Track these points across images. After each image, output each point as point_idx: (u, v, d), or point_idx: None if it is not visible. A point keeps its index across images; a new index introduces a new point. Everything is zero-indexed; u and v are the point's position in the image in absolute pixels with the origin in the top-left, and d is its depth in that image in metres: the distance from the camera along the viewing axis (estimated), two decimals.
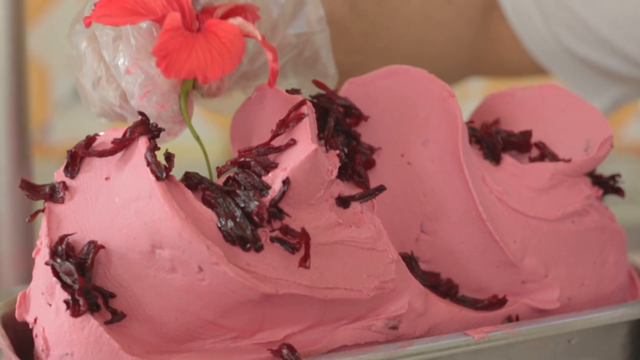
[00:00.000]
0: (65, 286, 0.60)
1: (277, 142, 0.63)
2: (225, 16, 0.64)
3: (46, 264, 0.60)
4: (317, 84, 0.69)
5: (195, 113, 0.67)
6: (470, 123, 0.72)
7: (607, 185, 0.73)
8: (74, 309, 0.59)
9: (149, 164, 0.60)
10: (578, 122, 0.73)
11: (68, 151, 0.63)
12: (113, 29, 0.64)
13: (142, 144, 0.61)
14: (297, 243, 0.60)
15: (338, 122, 0.68)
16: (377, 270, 0.63)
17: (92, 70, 0.66)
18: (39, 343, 0.61)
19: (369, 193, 0.65)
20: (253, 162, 0.62)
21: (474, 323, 0.67)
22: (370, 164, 0.69)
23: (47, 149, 1.83)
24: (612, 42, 0.88)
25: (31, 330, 0.63)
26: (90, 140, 0.63)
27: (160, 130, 0.62)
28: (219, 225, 0.59)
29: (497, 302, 0.68)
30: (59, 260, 0.60)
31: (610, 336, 0.68)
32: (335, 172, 0.63)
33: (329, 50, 0.75)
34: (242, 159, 0.63)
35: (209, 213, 0.60)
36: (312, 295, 0.61)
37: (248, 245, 0.59)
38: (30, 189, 0.63)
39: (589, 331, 0.67)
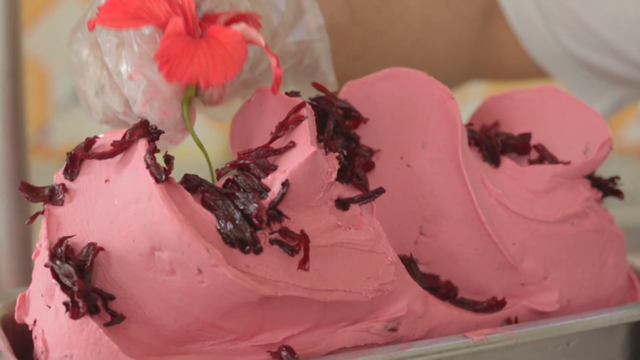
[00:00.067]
0: (64, 288, 0.60)
1: (276, 145, 0.63)
2: (228, 24, 0.64)
3: (45, 266, 0.60)
4: (317, 86, 0.69)
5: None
6: (469, 125, 0.72)
7: (607, 188, 0.73)
8: (74, 311, 0.59)
9: (148, 167, 0.60)
10: (577, 124, 0.73)
11: (68, 153, 0.63)
12: (116, 36, 0.63)
13: (141, 146, 0.61)
14: (296, 245, 0.60)
15: (337, 124, 0.68)
16: (376, 272, 0.63)
17: (95, 77, 0.65)
18: (38, 345, 0.61)
19: (368, 195, 0.65)
20: (252, 164, 0.63)
21: (473, 325, 0.67)
22: (369, 166, 0.69)
23: (47, 151, 1.83)
24: (613, 44, 0.88)
25: (30, 332, 0.63)
26: (90, 142, 0.63)
27: (159, 132, 0.62)
28: (218, 227, 0.59)
29: (496, 304, 0.68)
30: (58, 262, 0.60)
31: (610, 338, 0.68)
32: (334, 175, 0.63)
33: (328, 59, 0.75)
34: (242, 161, 0.63)
35: (208, 215, 0.60)
36: (311, 298, 0.61)
37: (247, 247, 0.59)
38: (30, 191, 0.63)
39: (588, 333, 0.67)
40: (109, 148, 0.62)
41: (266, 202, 0.61)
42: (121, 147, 0.62)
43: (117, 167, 0.62)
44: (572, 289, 0.70)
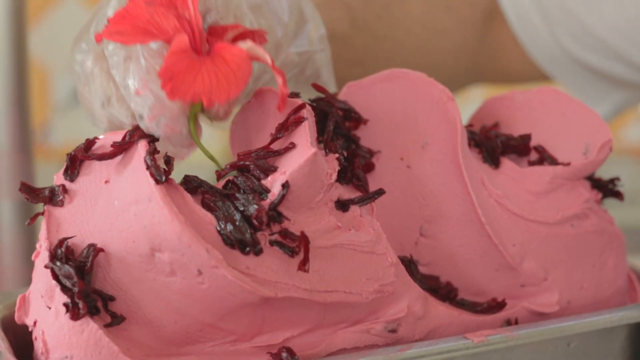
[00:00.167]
0: (64, 289, 0.60)
1: (276, 146, 0.63)
2: (235, 39, 0.64)
3: (46, 267, 0.60)
4: (317, 87, 0.69)
5: None
6: (469, 126, 0.72)
7: (606, 189, 0.73)
8: (74, 312, 0.59)
9: (148, 168, 0.60)
10: (577, 125, 0.73)
11: (68, 154, 0.63)
12: (123, 49, 0.63)
13: (141, 147, 0.61)
14: (296, 246, 0.60)
15: (337, 125, 0.68)
16: (376, 273, 0.63)
17: (101, 89, 0.65)
18: (38, 346, 0.61)
19: (369, 196, 0.65)
20: (252, 165, 0.63)
21: (473, 326, 0.67)
22: (369, 167, 0.69)
23: (47, 151, 1.83)
24: (614, 47, 0.88)
25: (30, 333, 0.63)
26: (90, 143, 0.63)
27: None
28: (219, 228, 0.59)
29: (496, 306, 0.68)
30: (58, 263, 0.60)
31: (609, 339, 0.68)
32: (334, 176, 0.63)
33: (330, 69, 0.75)
34: (242, 163, 0.63)
35: (208, 216, 0.60)
36: (311, 299, 0.61)
37: (247, 248, 0.59)
38: (30, 192, 0.63)
39: (588, 334, 0.67)
40: (109, 149, 0.63)
41: (266, 203, 0.61)
42: (121, 148, 0.62)
43: (117, 168, 0.62)
44: (572, 290, 0.70)
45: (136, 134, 0.62)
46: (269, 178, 0.62)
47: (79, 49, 0.67)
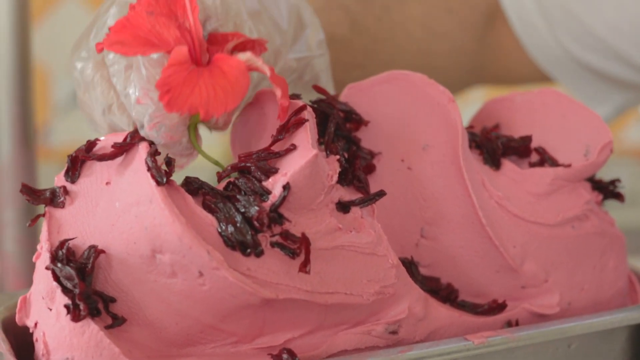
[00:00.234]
0: (65, 291, 0.60)
1: (277, 147, 0.63)
2: (235, 49, 0.64)
3: (47, 268, 0.60)
4: (318, 89, 0.69)
5: None
6: (470, 128, 0.72)
7: (607, 190, 0.73)
8: (75, 313, 0.59)
9: (149, 169, 0.60)
10: (578, 127, 0.73)
11: (69, 156, 0.63)
12: (124, 57, 0.63)
13: (142, 148, 0.61)
14: (297, 248, 0.60)
15: (338, 127, 0.68)
16: (377, 275, 0.63)
17: (102, 97, 0.65)
18: (39, 347, 0.61)
19: (369, 198, 0.65)
20: (253, 167, 0.63)
21: (474, 328, 0.67)
22: (370, 168, 0.69)
23: (48, 152, 1.83)
24: (616, 48, 0.88)
25: (31, 335, 0.63)
26: (91, 144, 0.64)
27: None
28: (220, 230, 0.59)
29: (497, 307, 0.68)
30: (59, 264, 0.60)
31: (610, 341, 0.68)
32: (335, 177, 0.63)
33: (328, 74, 0.75)
34: (243, 164, 0.63)
35: (209, 218, 0.60)
36: (312, 300, 0.61)
37: (248, 250, 0.59)
38: (31, 194, 0.63)
39: (589, 336, 0.67)
40: (110, 150, 0.63)
41: (267, 204, 0.61)
42: (122, 149, 0.62)
43: (118, 170, 0.62)
44: (572, 291, 0.70)
45: (137, 135, 0.62)
46: (270, 180, 0.62)
47: (78, 57, 0.67)
